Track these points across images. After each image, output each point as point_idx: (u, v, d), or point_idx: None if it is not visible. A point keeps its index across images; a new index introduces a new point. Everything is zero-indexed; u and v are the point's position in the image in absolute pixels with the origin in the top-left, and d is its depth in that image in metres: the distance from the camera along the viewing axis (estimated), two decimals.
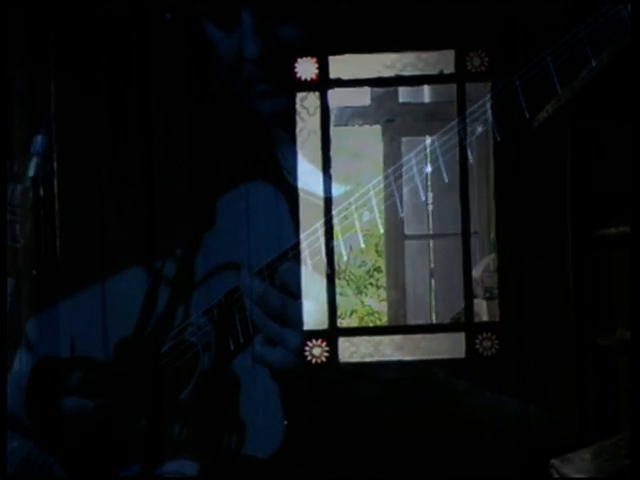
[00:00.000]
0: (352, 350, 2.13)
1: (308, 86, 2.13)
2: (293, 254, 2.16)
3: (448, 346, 2.13)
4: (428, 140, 2.17)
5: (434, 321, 2.42)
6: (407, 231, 2.40)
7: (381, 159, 2.32)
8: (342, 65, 2.14)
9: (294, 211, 2.16)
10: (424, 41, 2.15)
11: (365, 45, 2.15)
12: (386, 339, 2.14)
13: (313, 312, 2.13)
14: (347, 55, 2.15)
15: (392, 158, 2.28)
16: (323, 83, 2.13)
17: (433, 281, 2.45)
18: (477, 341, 2.10)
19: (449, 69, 2.13)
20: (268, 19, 2.20)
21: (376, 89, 2.27)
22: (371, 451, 2.16)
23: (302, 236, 2.15)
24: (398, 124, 2.33)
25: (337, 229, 2.14)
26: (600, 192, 2.12)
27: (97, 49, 2.30)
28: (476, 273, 2.21)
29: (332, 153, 2.13)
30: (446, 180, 2.14)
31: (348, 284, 2.57)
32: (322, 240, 2.13)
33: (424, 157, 2.15)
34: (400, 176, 2.15)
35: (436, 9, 2.16)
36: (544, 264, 2.17)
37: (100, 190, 2.29)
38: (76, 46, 2.31)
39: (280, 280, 2.17)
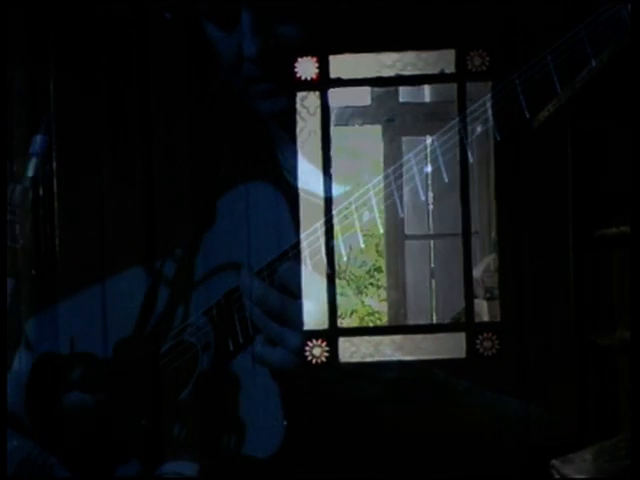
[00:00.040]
0: (352, 350, 2.13)
1: (308, 86, 2.13)
2: (293, 254, 2.16)
3: (448, 346, 2.13)
4: (428, 140, 2.17)
5: (434, 321, 2.42)
6: (407, 231, 2.40)
7: (381, 159, 2.31)
8: (342, 64, 2.14)
9: (294, 211, 2.16)
10: (424, 41, 2.15)
11: (365, 44, 2.15)
12: (386, 339, 2.14)
13: (313, 312, 2.13)
14: (347, 54, 2.15)
15: (392, 158, 2.27)
16: (323, 83, 2.12)
17: (433, 281, 2.45)
18: (478, 341, 2.10)
19: (449, 69, 2.13)
20: (268, 19, 2.20)
21: (376, 89, 2.26)
22: (371, 451, 2.16)
23: (302, 236, 2.14)
24: (398, 124, 2.33)
25: (337, 229, 2.13)
26: (601, 192, 2.11)
27: (97, 49, 2.30)
28: (477, 273, 2.21)
29: (332, 153, 2.13)
30: (446, 180, 2.13)
31: (348, 284, 2.57)
32: (322, 240, 2.13)
33: (424, 157, 2.15)
34: (400, 176, 2.15)
35: (436, 9, 2.16)
36: (545, 264, 2.16)
37: (100, 190, 2.29)
38: (76, 46, 2.31)
39: (280, 280, 2.17)
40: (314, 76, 2.12)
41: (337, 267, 2.15)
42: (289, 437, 2.23)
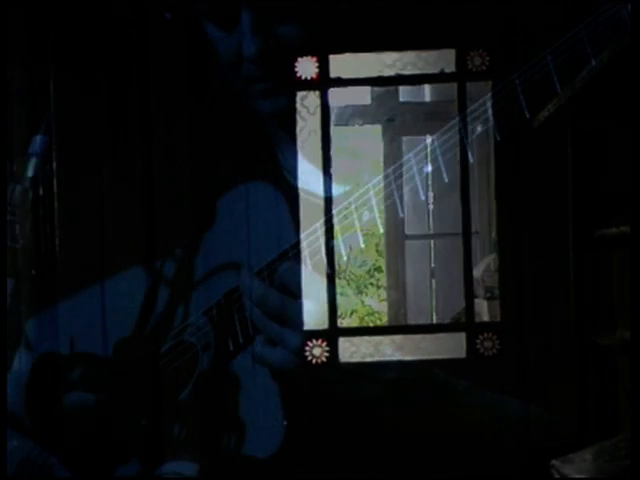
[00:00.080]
0: (352, 350, 2.12)
1: (308, 85, 2.13)
2: (293, 254, 2.16)
3: (449, 346, 2.13)
4: (429, 139, 2.17)
5: (435, 321, 2.41)
6: (407, 231, 2.40)
7: (381, 158, 2.31)
8: (342, 64, 2.14)
9: (294, 211, 2.16)
10: (425, 40, 2.15)
11: (365, 44, 2.15)
12: (386, 339, 2.14)
13: (313, 312, 2.12)
14: (347, 54, 2.15)
15: (392, 157, 2.27)
16: (323, 82, 2.12)
17: (434, 281, 2.45)
18: (478, 341, 2.10)
19: (450, 68, 2.13)
20: (268, 18, 2.20)
21: (376, 88, 2.26)
22: (371, 451, 2.16)
23: (302, 236, 2.14)
24: (398, 123, 2.32)
25: (337, 229, 2.13)
26: (601, 192, 2.11)
27: (97, 49, 2.30)
28: (477, 273, 2.21)
29: (332, 152, 2.13)
30: (447, 180, 2.13)
31: (348, 284, 2.57)
32: (322, 240, 2.12)
33: (424, 156, 2.15)
34: (400, 176, 2.14)
35: (436, 8, 2.16)
36: (545, 264, 2.16)
37: (100, 190, 2.29)
38: (76, 46, 2.31)
39: (280, 280, 2.17)
40: (314, 76, 2.12)
41: (337, 267, 2.15)
42: (289, 437, 2.23)
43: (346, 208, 2.14)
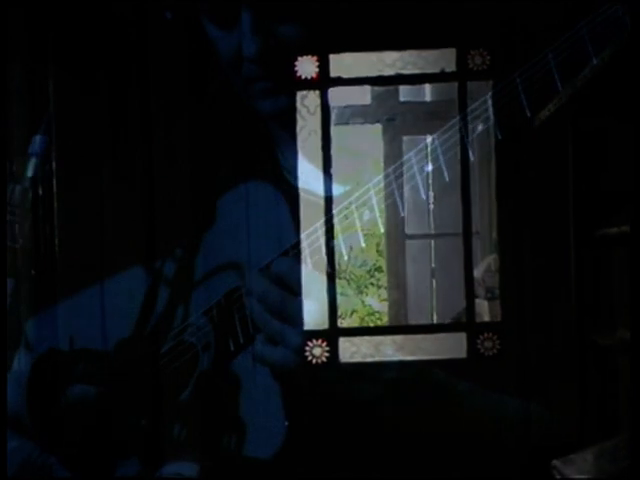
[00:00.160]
0: (353, 350, 2.12)
1: (308, 85, 2.12)
2: (293, 254, 2.15)
3: (449, 346, 2.12)
4: (429, 139, 2.16)
5: (435, 321, 2.41)
6: (408, 231, 2.40)
7: (382, 158, 2.31)
8: (343, 63, 2.14)
9: (294, 211, 2.16)
10: (425, 39, 2.14)
11: (366, 43, 2.15)
12: (387, 339, 2.13)
13: (313, 312, 2.12)
14: (348, 54, 2.14)
15: (393, 157, 2.27)
16: (323, 82, 2.12)
17: (434, 281, 2.45)
18: (478, 341, 2.09)
19: (450, 67, 2.12)
20: (268, 18, 2.20)
21: (377, 88, 2.26)
22: (371, 451, 2.16)
23: (302, 236, 2.14)
24: (399, 123, 2.32)
25: (337, 228, 2.13)
26: (602, 191, 2.11)
27: (97, 49, 2.30)
28: (477, 273, 2.20)
29: (332, 152, 2.13)
30: (447, 179, 2.13)
31: (349, 284, 2.57)
32: (322, 240, 2.12)
33: (425, 156, 2.14)
34: (401, 175, 2.14)
35: (437, 8, 2.16)
36: (546, 264, 2.16)
37: (100, 190, 2.29)
38: (76, 46, 2.30)
39: (280, 280, 2.16)
40: (314, 75, 2.12)
41: (337, 267, 2.15)
42: (290, 437, 2.22)
43: (346, 208, 2.14)
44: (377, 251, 2.54)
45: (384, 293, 2.50)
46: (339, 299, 2.14)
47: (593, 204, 2.11)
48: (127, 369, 2.27)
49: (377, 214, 2.15)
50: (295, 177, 2.16)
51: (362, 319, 2.59)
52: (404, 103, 2.33)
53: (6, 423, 2.17)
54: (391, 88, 2.27)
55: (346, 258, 2.23)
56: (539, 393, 2.15)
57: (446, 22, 2.15)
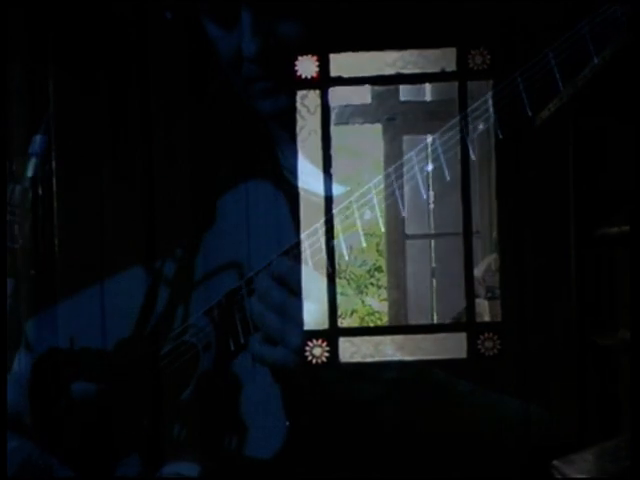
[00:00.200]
0: (353, 350, 2.12)
1: (309, 84, 2.12)
2: (293, 254, 2.15)
3: (449, 346, 2.12)
4: (429, 139, 2.16)
5: (435, 321, 2.41)
6: (408, 230, 2.39)
7: (382, 158, 2.31)
8: (343, 63, 2.13)
9: (294, 210, 2.16)
10: (426, 39, 2.14)
11: (366, 43, 2.14)
12: (387, 339, 2.13)
13: (313, 312, 2.12)
14: (348, 53, 2.14)
15: (393, 157, 2.27)
16: (324, 81, 2.12)
17: (434, 281, 2.44)
18: (479, 341, 2.09)
19: (451, 67, 2.12)
20: (268, 17, 2.20)
21: (377, 87, 2.26)
22: (371, 451, 2.15)
23: (302, 236, 2.14)
24: (399, 122, 2.32)
25: (338, 228, 2.13)
26: (603, 190, 2.11)
27: (97, 49, 2.30)
28: (478, 273, 2.20)
29: (333, 152, 2.12)
30: (448, 179, 2.12)
31: (349, 284, 2.56)
32: (322, 239, 2.12)
33: (425, 156, 2.14)
34: (401, 175, 2.14)
35: (437, 7, 2.16)
36: (546, 263, 2.15)
37: (100, 190, 2.29)
38: (76, 46, 2.30)
39: (280, 280, 2.16)
40: (314, 75, 2.11)
41: (337, 267, 2.15)
42: (290, 437, 2.22)
43: (347, 208, 2.14)
44: (377, 251, 2.54)
45: (384, 293, 2.50)
46: (339, 299, 2.14)
47: (594, 204, 2.11)
48: (127, 369, 2.27)
49: (377, 214, 2.15)
50: (295, 177, 2.15)
51: (362, 319, 2.59)
52: (404, 103, 2.32)
53: (6, 423, 2.17)
54: (391, 88, 2.27)
55: (346, 258, 2.23)
56: (539, 393, 2.15)
57: (446, 22, 2.15)
